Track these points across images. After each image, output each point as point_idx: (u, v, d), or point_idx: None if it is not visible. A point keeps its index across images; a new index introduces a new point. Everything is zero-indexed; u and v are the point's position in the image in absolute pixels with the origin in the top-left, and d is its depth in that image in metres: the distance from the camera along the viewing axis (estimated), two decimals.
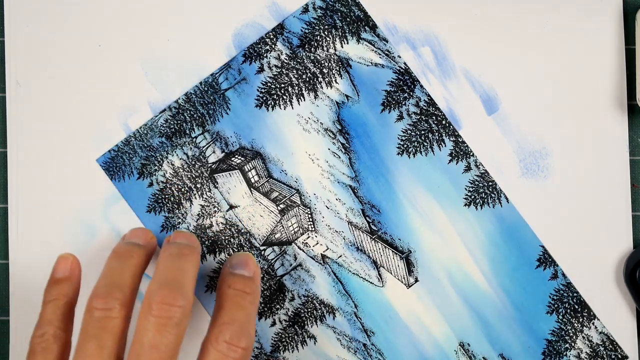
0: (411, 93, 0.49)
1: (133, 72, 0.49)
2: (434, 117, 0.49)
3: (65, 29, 0.49)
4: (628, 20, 0.49)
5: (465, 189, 0.49)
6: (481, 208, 0.49)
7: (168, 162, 0.49)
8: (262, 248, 0.49)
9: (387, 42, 0.49)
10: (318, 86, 0.49)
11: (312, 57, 0.49)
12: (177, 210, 0.49)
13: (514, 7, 0.49)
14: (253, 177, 0.49)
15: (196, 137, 0.49)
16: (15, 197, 0.48)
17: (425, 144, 0.49)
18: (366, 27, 0.49)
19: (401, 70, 0.49)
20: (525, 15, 0.49)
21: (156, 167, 0.49)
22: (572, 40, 0.49)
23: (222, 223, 0.49)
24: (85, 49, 0.49)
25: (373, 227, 0.49)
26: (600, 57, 0.49)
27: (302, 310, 0.49)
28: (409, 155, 0.49)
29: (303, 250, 0.49)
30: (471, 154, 0.49)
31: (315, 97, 0.49)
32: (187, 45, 0.49)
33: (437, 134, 0.49)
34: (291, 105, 0.49)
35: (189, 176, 0.49)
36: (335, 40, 0.49)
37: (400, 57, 0.49)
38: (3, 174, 0.49)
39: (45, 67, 0.49)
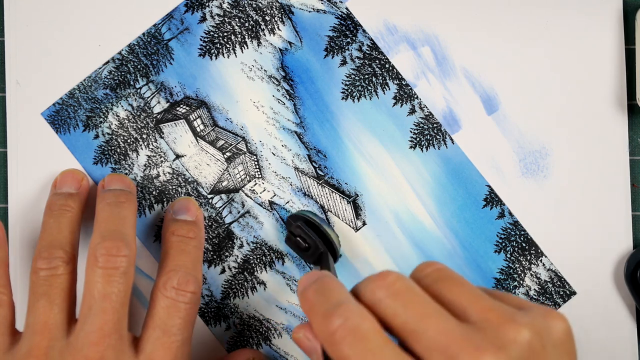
0: (354, 38, 0.49)
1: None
2: (377, 61, 0.49)
3: (65, 29, 0.49)
4: (628, 20, 0.49)
5: (410, 131, 0.49)
6: (427, 150, 0.49)
7: (113, 113, 0.49)
8: (209, 196, 0.49)
9: None
10: (261, 34, 0.49)
11: (254, 5, 0.49)
12: (123, 162, 0.49)
13: (514, 7, 0.49)
14: (198, 126, 0.49)
15: (140, 88, 0.49)
16: (15, 197, 0.48)
17: (369, 87, 0.49)
18: None
19: (343, 15, 0.49)
20: (526, 15, 0.49)
21: (101, 119, 0.49)
22: (572, 40, 0.49)
23: (169, 173, 0.49)
24: (85, 49, 0.49)
25: (319, 172, 0.49)
26: (600, 57, 0.49)
27: (251, 257, 0.49)
28: (353, 100, 0.49)
29: (250, 197, 0.49)
30: (415, 96, 0.49)
31: (258, 45, 0.49)
32: None
33: (380, 77, 0.49)
34: (234, 53, 0.49)
35: (135, 127, 0.49)
36: None
37: (342, 2, 0.49)
38: (3, 174, 0.49)
39: (45, 67, 0.48)
